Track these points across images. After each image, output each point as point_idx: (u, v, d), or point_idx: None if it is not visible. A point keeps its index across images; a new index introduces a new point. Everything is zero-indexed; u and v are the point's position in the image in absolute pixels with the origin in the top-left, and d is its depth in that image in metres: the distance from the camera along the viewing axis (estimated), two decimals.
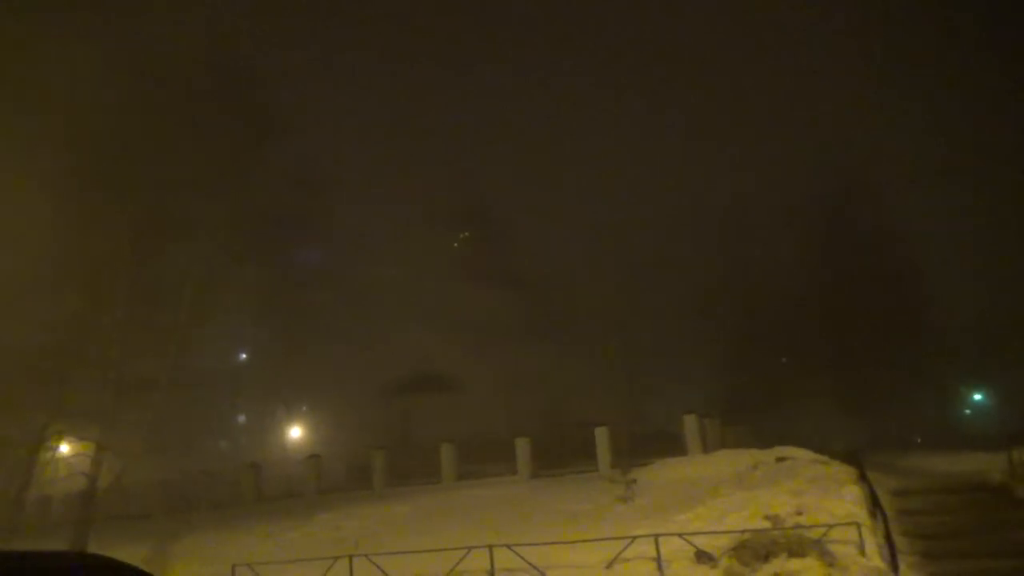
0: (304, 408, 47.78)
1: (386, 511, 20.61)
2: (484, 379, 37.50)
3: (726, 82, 70.77)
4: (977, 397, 49.29)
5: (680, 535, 12.52)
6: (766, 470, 17.44)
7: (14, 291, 22.18)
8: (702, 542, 12.26)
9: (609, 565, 12.62)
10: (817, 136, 64.30)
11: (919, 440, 40.33)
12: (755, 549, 11.59)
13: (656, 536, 12.31)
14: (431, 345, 40.37)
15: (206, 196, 23.61)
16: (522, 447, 23.42)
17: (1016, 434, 16.44)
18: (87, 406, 24.44)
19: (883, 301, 38.12)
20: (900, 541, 11.38)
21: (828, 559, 10.79)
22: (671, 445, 23.07)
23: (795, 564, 10.93)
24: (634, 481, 18.20)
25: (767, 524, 12.69)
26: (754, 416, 37.11)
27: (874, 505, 12.58)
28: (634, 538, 12.69)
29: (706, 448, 22.72)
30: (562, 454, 24.13)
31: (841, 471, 15.86)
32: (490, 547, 13.15)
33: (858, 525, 11.15)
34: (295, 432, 46.60)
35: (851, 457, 17.32)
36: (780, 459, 18.36)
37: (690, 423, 22.96)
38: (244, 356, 45.87)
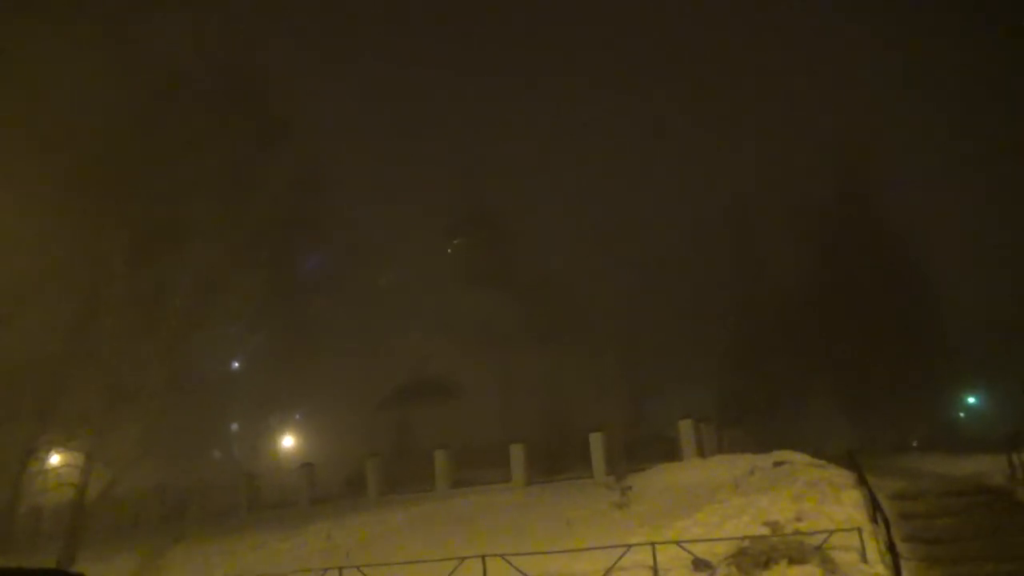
0: (299, 416, 47.41)
1: (379, 520, 20.33)
2: (480, 384, 37.24)
3: (726, 83, 70.98)
4: (972, 400, 49.20)
5: (677, 542, 12.30)
6: (764, 475, 17.23)
7: (6, 298, 21.92)
8: (700, 550, 12.02)
9: (605, 574, 12.36)
10: (817, 137, 64.28)
11: (915, 443, 40.18)
12: (754, 556, 11.36)
13: (653, 544, 12.07)
14: (427, 350, 40.12)
15: (202, 201, 23.37)
16: (516, 453, 23.16)
17: (1015, 436, 16.29)
18: (78, 415, 24.15)
19: (881, 303, 37.98)
20: (901, 546, 11.15)
21: (829, 566, 10.57)
22: (667, 450, 22.85)
23: (796, 572, 10.69)
24: (630, 487, 18.00)
25: (766, 530, 12.47)
26: (750, 419, 36.97)
27: (874, 509, 12.36)
28: (630, 546, 12.45)
29: (703, 453, 22.52)
30: (557, 460, 23.88)
31: (840, 475, 15.66)
32: (483, 557, 12.90)
33: (859, 530, 10.94)
34: (289, 441, 46.21)
35: (849, 460, 17.11)
36: (778, 463, 18.15)
37: (686, 428, 22.75)
38: (238, 364, 45.48)
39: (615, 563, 12.28)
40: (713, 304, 44.20)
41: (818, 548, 10.99)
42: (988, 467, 16.47)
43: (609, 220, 45.33)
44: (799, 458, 18.27)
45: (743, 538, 12.12)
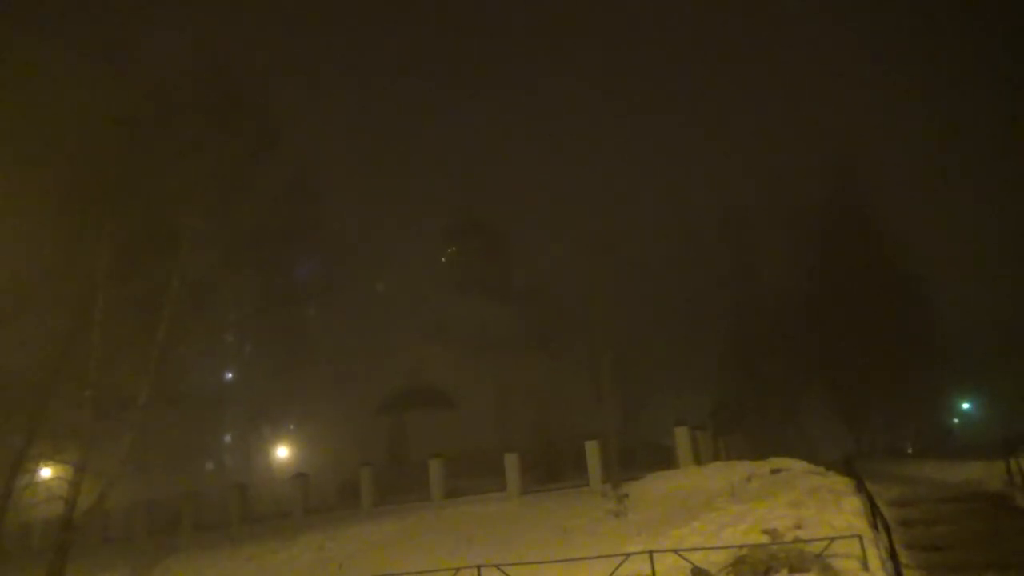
0: (292, 426, 47.11)
1: (373, 531, 20.10)
2: (474, 393, 37.03)
3: (720, 90, 71.23)
4: (966, 406, 49.27)
5: (675, 551, 12.11)
6: (761, 482, 17.09)
7: None
8: (698, 558, 11.85)
9: None
10: (812, 141, 64.62)
11: (909, 450, 40.17)
12: (754, 565, 11.19)
13: (650, 552, 11.90)
14: (421, 359, 39.88)
15: (193, 210, 23.19)
16: (511, 462, 22.95)
17: (1012, 441, 16.24)
18: (66, 427, 23.85)
19: (875, 309, 37.95)
20: (902, 553, 11.02)
21: (830, 574, 10.41)
22: (663, 458, 22.70)
23: None
24: (626, 495, 17.84)
25: (765, 538, 12.30)
26: (746, 426, 36.89)
27: (874, 516, 12.23)
28: (627, 555, 12.28)
29: (699, 460, 22.36)
30: (552, 469, 23.68)
31: (838, 482, 15.52)
32: (479, 567, 12.70)
33: (860, 538, 10.78)
34: (283, 451, 45.89)
35: (846, 467, 17.00)
36: (775, 471, 18.01)
37: (682, 435, 22.59)
38: (231, 375, 45.21)
39: (612, 572, 12.10)
40: (708, 310, 44.22)
41: (818, 556, 10.84)
42: (985, 473, 16.41)
43: (604, 227, 45.26)
44: (797, 465, 18.14)
45: (742, 546, 11.96)
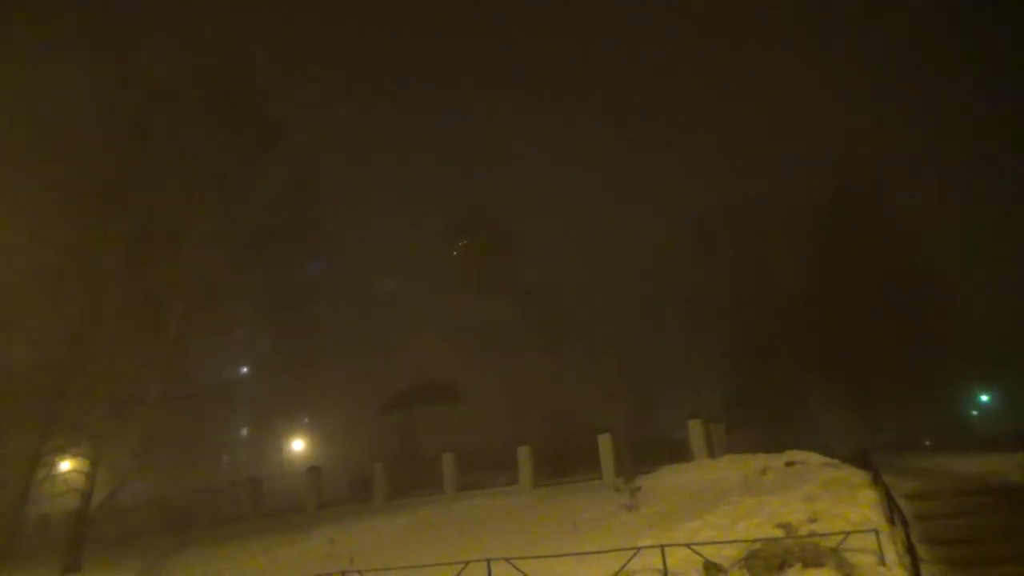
0: (305, 421, 47.32)
1: (385, 524, 20.09)
2: (486, 388, 36.97)
3: (726, 86, 70.62)
4: (984, 397, 48.62)
5: (688, 545, 11.96)
6: (775, 475, 16.90)
7: (8, 306, 21.83)
8: (711, 552, 11.69)
9: None
10: (818, 136, 63.89)
11: (927, 442, 39.67)
12: (767, 559, 11.01)
13: (662, 547, 11.75)
14: (433, 355, 39.89)
15: (202, 209, 23.27)
16: (524, 456, 22.89)
17: None
18: (81, 422, 24.04)
19: (889, 301, 37.52)
20: (920, 548, 10.79)
21: (846, 569, 10.21)
22: (676, 451, 22.51)
23: (811, 575, 10.35)
24: (639, 489, 17.67)
25: (779, 532, 12.12)
26: (759, 419, 36.55)
27: (891, 510, 12.01)
28: (639, 549, 12.14)
29: (712, 454, 22.18)
30: (565, 462, 23.57)
31: (854, 475, 15.30)
32: (488, 560, 12.60)
33: (876, 532, 10.57)
34: (297, 445, 46.11)
35: (862, 460, 16.75)
36: (789, 463, 17.82)
37: (695, 428, 22.43)
38: (245, 370, 45.41)
39: (623, 566, 11.96)
40: (717, 304, 43.85)
41: (834, 550, 10.64)
42: (1004, 465, 16.10)
43: (611, 222, 45.02)
44: (812, 458, 17.92)
45: (755, 540, 11.78)
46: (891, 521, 11.80)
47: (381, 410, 39.63)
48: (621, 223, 45.35)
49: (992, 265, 44.78)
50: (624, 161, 65.66)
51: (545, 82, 71.65)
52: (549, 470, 23.24)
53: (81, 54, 23.02)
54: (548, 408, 34.27)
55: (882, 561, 10.18)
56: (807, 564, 10.56)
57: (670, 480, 18.98)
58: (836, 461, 17.43)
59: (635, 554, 12.03)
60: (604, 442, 22.02)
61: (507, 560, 12.60)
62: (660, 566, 11.56)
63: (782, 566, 10.72)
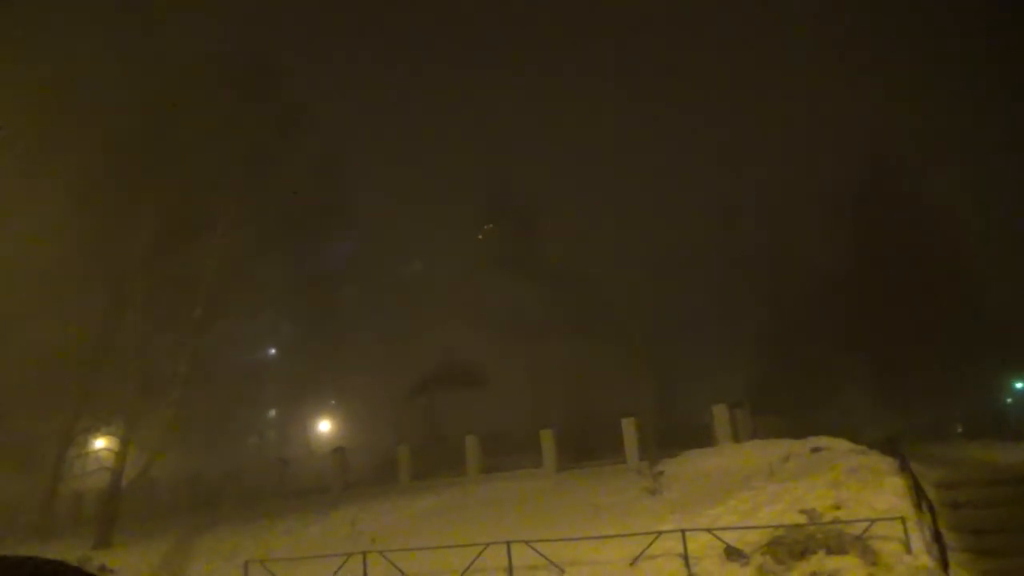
0: (332, 402, 47.82)
1: (408, 505, 20.24)
2: (510, 371, 36.99)
3: (755, 67, 69.19)
4: (1020, 385, 47.53)
5: (709, 530, 11.87)
6: (800, 461, 16.67)
7: (38, 290, 22.30)
8: (732, 538, 11.58)
9: (633, 562, 11.99)
10: (850, 115, 62.40)
11: (960, 429, 38.94)
12: (790, 546, 10.88)
13: (683, 531, 11.67)
14: (457, 338, 39.98)
15: (228, 192, 23.47)
16: (547, 439, 22.88)
17: None
18: (112, 402, 24.59)
19: (923, 286, 36.74)
20: (947, 536, 10.58)
21: (870, 557, 10.05)
22: (700, 436, 22.32)
23: (834, 562, 10.19)
24: (662, 473, 17.58)
25: (803, 519, 11.95)
26: (786, 405, 36.13)
27: (919, 498, 11.77)
28: (660, 533, 12.07)
29: (737, 438, 21.95)
30: (588, 446, 23.54)
31: (881, 462, 15.02)
32: (508, 543, 12.62)
33: (903, 520, 10.38)
34: (323, 426, 46.63)
35: (890, 446, 16.45)
36: (815, 449, 17.56)
37: (720, 413, 22.21)
38: (273, 351, 45.98)
39: (644, 550, 11.91)
40: (745, 288, 43.35)
41: (858, 538, 10.48)
42: None
43: (638, 206, 44.62)
44: (838, 444, 17.64)
45: (778, 526, 11.64)
46: (918, 508, 11.56)
47: (406, 393, 39.89)
48: (649, 207, 44.96)
49: None
50: (652, 149, 64.87)
51: (578, 66, 70.74)
52: (572, 453, 23.22)
53: (111, 37, 23.25)
54: (572, 392, 34.21)
55: (908, 549, 10.00)
56: (831, 551, 10.41)
57: (694, 465, 18.83)
58: (863, 448, 17.13)
59: (656, 538, 11.97)
60: (628, 426, 21.92)
61: (527, 543, 12.61)
62: (681, 551, 11.48)
63: (805, 552, 10.59)
